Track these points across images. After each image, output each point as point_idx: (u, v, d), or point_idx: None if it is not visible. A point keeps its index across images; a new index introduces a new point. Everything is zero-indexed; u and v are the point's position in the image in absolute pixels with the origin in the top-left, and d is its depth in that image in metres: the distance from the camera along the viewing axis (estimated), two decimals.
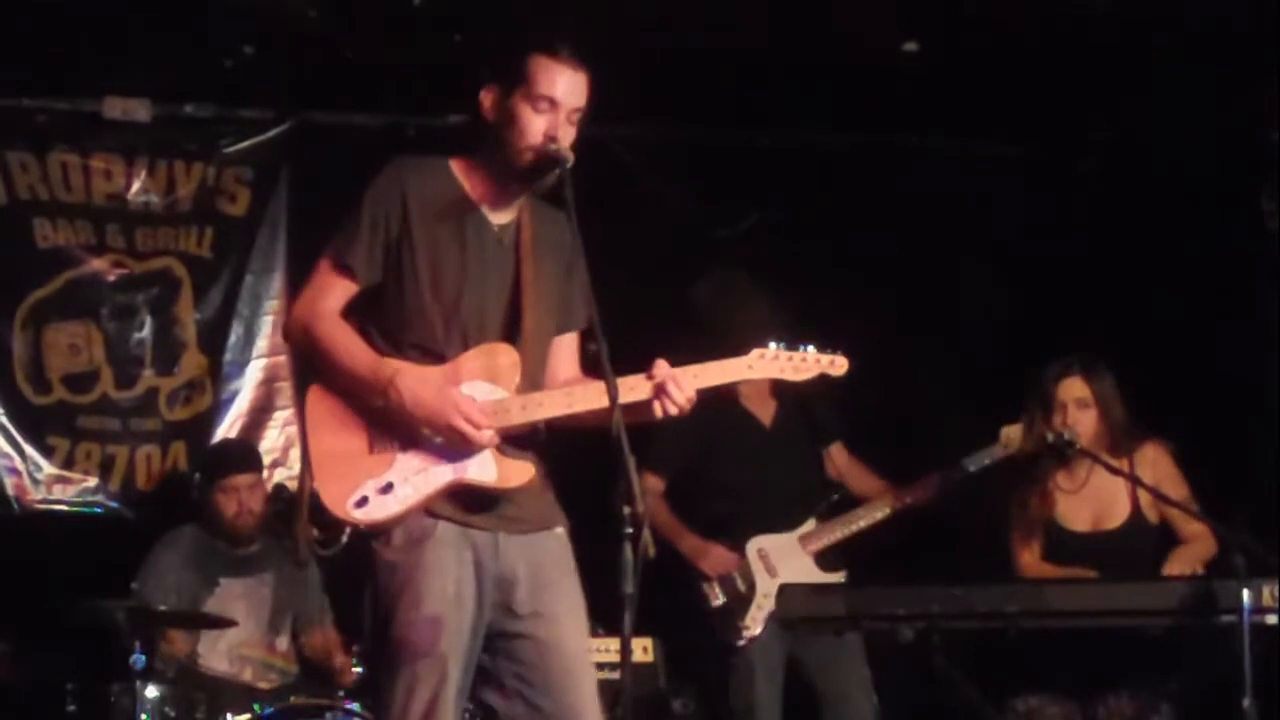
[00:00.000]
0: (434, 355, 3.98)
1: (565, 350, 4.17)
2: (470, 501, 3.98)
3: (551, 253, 4.08)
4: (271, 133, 7.02)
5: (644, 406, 3.97)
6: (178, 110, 6.91)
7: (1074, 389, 5.46)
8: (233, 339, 7.01)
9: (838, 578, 5.92)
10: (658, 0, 5.93)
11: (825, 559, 5.97)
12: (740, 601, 5.91)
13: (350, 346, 3.98)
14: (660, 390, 3.96)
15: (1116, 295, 6.88)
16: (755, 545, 5.95)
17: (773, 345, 4.10)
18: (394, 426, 3.94)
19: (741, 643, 5.88)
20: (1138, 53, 6.26)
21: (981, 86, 6.56)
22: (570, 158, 4.01)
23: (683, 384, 3.97)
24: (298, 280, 6.97)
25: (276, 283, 7.05)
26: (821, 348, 4.14)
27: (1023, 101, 6.70)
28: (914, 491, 6.01)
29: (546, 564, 4.04)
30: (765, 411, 6.10)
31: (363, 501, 3.93)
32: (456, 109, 6.86)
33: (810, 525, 6.01)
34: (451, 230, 4.03)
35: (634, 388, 3.95)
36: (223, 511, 6.21)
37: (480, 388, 3.96)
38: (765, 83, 6.59)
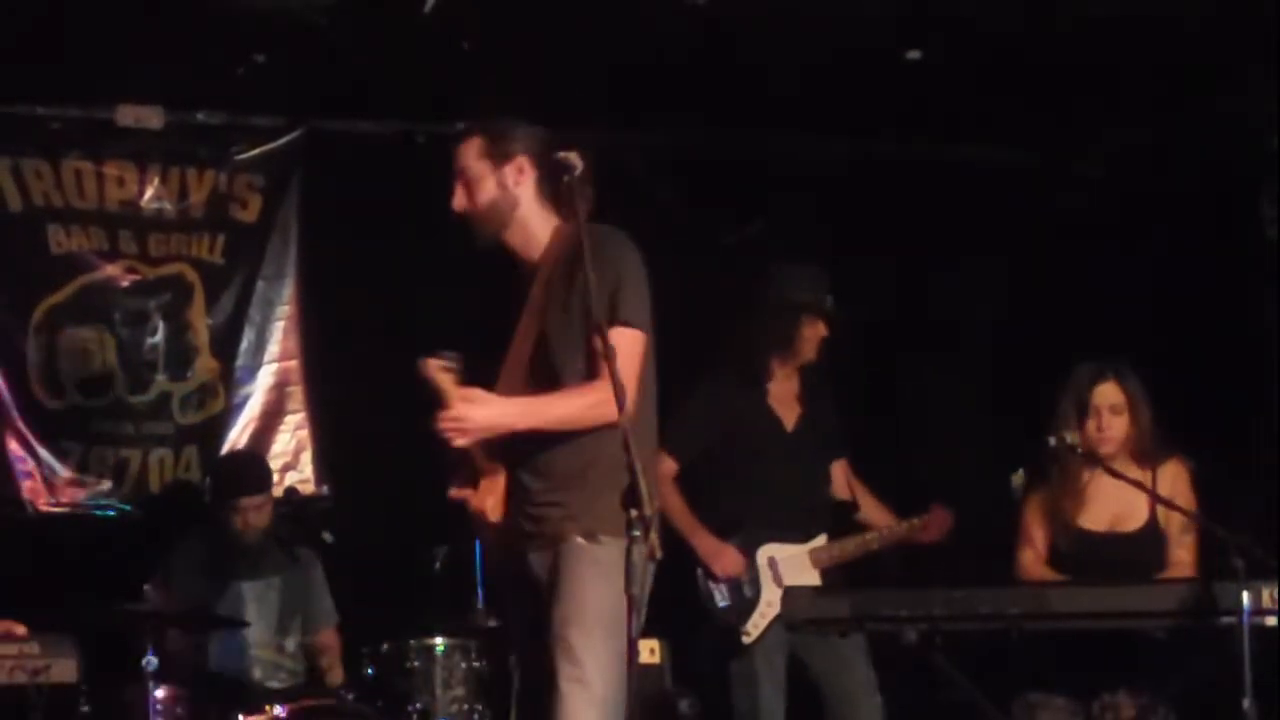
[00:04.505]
0: None
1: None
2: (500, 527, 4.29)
3: (564, 274, 4.28)
4: (283, 140, 7.06)
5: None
6: (190, 118, 6.95)
7: (1109, 394, 5.46)
8: (244, 344, 7.05)
9: None
10: (663, 8, 5.97)
11: (831, 576, 5.96)
12: (744, 605, 5.91)
13: None
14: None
15: (1117, 301, 6.91)
16: (766, 553, 5.94)
17: None
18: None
19: (740, 644, 5.90)
20: (1139, 59, 6.29)
21: (983, 93, 6.60)
22: (579, 165, 4.12)
23: None
24: (308, 286, 7.09)
25: (288, 288, 7.10)
26: None
27: (1024, 108, 6.74)
28: (923, 530, 6.06)
29: (556, 575, 4.21)
30: (789, 415, 6.08)
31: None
32: (466, 116, 6.94)
33: (822, 540, 6.00)
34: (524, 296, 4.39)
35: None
36: (231, 527, 6.28)
37: None
38: (770, 89, 6.63)
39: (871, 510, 6.21)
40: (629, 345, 4.12)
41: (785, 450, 6.06)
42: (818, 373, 6.10)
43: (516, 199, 4.36)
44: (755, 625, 5.90)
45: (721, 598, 5.94)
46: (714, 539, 5.93)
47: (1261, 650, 4.80)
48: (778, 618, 5.85)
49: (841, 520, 6.14)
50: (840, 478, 6.23)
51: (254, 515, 6.28)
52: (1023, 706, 5.35)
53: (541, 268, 4.35)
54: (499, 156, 4.36)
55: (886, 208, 7.12)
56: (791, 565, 5.95)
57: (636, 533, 3.74)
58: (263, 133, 7.06)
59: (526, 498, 4.27)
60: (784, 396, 6.09)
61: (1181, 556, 5.45)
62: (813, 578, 5.94)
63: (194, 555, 6.27)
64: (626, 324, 4.16)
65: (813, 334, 6.02)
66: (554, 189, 4.33)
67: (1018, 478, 5.67)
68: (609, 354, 3.87)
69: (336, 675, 6.21)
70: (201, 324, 7.02)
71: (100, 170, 6.90)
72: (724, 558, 5.93)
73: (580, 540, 4.17)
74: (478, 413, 4.16)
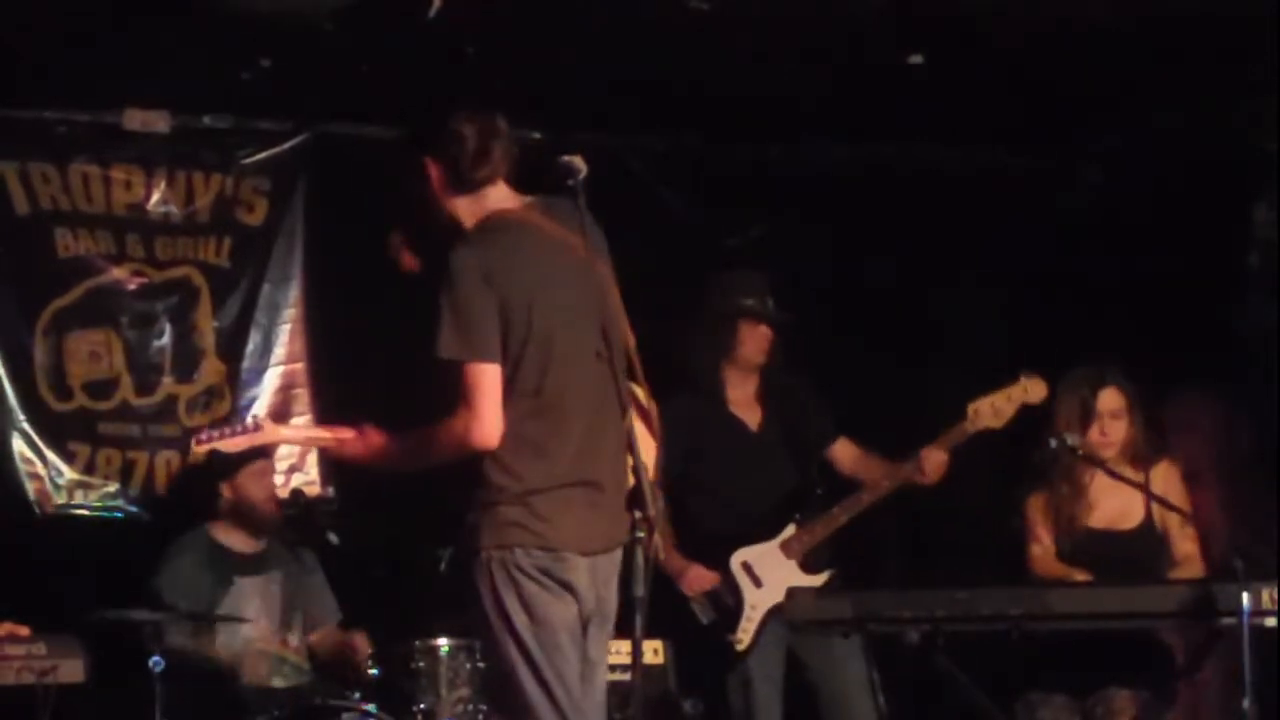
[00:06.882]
0: None
1: None
2: None
3: None
4: (289, 144, 7.08)
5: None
6: (196, 122, 6.97)
7: (1111, 400, 5.52)
8: (250, 347, 7.07)
9: (823, 579, 5.91)
10: (665, 11, 5.99)
11: (810, 561, 5.94)
12: (729, 616, 5.90)
13: None
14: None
15: (1116, 302, 6.93)
16: (738, 558, 5.93)
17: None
18: None
19: (735, 654, 5.88)
20: (1138, 59, 6.31)
21: (983, 96, 6.62)
22: (584, 168, 4.15)
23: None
24: (314, 289, 7.12)
25: (293, 291, 7.12)
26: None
27: (1024, 111, 6.76)
28: (918, 473, 5.86)
29: None
30: (752, 417, 6.10)
31: None
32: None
33: (790, 530, 5.95)
34: None
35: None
36: (252, 498, 6.29)
37: None
38: (771, 93, 6.65)
39: (877, 474, 5.99)
40: (456, 378, 4.11)
41: (754, 452, 6.05)
42: (782, 369, 6.10)
43: (426, 193, 4.36)
44: (745, 631, 5.89)
45: (704, 614, 5.94)
46: (679, 558, 5.90)
47: (1261, 650, 4.83)
48: (768, 618, 5.86)
49: (820, 500, 6.04)
50: (844, 456, 6.14)
51: (255, 486, 6.29)
52: (1023, 706, 5.38)
53: None
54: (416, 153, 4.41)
55: (887, 211, 7.14)
56: (766, 562, 5.93)
57: (641, 534, 3.77)
58: (269, 137, 7.08)
59: None
60: (745, 400, 6.10)
61: (1188, 550, 5.52)
62: (790, 568, 5.92)
63: (195, 553, 6.29)
64: (439, 360, 4.14)
65: (754, 337, 6.01)
66: (459, 181, 4.29)
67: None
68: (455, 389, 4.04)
69: (364, 668, 6.08)
70: (208, 327, 7.04)
71: (107, 174, 6.92)
72: (689, 575, 5.92)
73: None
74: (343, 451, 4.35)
